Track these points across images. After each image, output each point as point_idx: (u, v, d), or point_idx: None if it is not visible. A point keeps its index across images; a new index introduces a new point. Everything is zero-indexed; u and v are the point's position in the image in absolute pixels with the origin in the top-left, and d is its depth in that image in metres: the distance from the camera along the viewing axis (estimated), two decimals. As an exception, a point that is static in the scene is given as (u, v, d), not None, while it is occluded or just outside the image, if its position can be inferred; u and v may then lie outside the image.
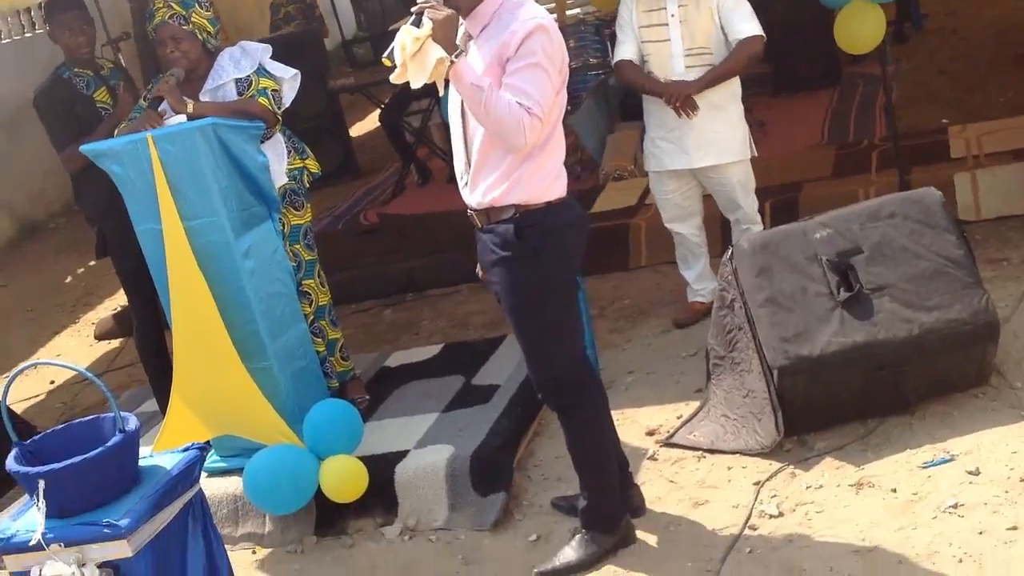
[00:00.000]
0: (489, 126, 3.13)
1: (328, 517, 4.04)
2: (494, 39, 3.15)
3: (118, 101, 4.67)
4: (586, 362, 3.47)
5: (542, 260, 3.23)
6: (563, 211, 3.28)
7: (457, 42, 3.13)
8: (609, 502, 3.50)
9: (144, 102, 4.32)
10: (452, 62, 3.07)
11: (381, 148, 9.31)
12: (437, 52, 3.06)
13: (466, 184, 3.33)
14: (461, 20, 3.19)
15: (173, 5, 4.20)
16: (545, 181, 3.23)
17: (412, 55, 3.08)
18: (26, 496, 3.21)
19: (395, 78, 3.15)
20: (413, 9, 3.12)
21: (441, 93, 3.30)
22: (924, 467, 3.57)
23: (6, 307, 7.96)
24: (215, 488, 4.11)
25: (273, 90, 4.24)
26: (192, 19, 4.22)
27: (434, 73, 3.09)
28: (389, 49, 3.13)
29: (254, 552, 4.06)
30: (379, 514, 4.02)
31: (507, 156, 3.19)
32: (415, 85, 3.15)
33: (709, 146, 4.67)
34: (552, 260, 3.25)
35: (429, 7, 3.10)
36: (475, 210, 3.31)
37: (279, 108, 4.27)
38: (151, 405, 5.06)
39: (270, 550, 4.05)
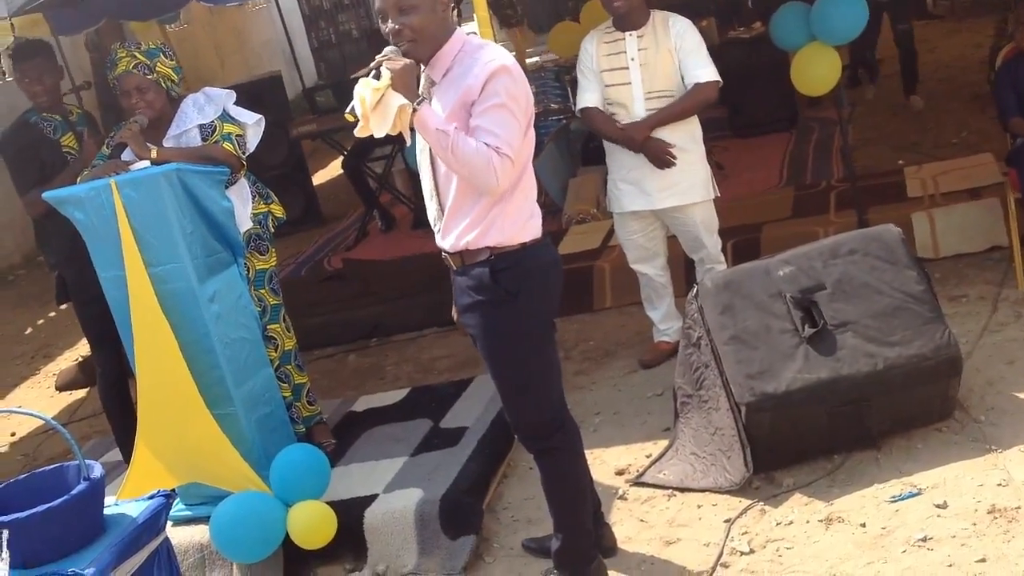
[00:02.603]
0: (459, 170, 3.10)
1: (296, 564, 3.99)
2: (457, 83, 3.13)
3: (82, 147, 4.66)
4: (563, 404, 3.42)
5: (518, 303, 3.19)
6: (538, 252, 3.24)
7: (420, 90, 3.14)
8: (583, 543, 3.48)
9: (107, 149, 4.31)
10: (415, 109, 3.05)
11: (344, 195, 9.33)
12: (398, 101, 3.05)
13: (439, 230, 3.30)
14: (422, 67, 3.20)
15: (137, 55, 4.20)
16: (519, 222, 3.20)
17: (373, 107, 3.06)
18: (-12, 548, 3.15)
19: (359, 132, 3.12)
20: (371, 64, 3.12)
21: (408, 143, 3.30)
22: (892, 501, 3.59)
23: (-35, 359, 7.85)
24: (181, 537, 4.05)
25: (237, 135, 4.24)
26: (156, 68, 4.21)
27: (397, 123, 3.08)
28: (350, 105, 3.12)
29: (221, 601, 4.00)
30: (348, 560, 3.98)
31: (480, 200, 3.16)
32: (379, 136, 3.13)
33: (671, 188, 4.71)
34: (528, 302, 3.21)
35: (386, 59, 3.09)
36: (449, 253, 3.27)
37: (243, 153, 4.28)
38: (115, 455, 4.99)
39: (238, 599, 3.99)
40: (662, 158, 4.62)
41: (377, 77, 3.08)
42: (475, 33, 4.15)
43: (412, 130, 3.15)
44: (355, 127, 3.14)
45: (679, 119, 4.66)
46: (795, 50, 5.45)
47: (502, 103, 3.07)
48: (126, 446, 4.76)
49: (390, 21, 3.11)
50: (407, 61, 3.09)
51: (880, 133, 7.83)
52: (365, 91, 3.06)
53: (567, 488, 3.43)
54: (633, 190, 4.78)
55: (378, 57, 3.11)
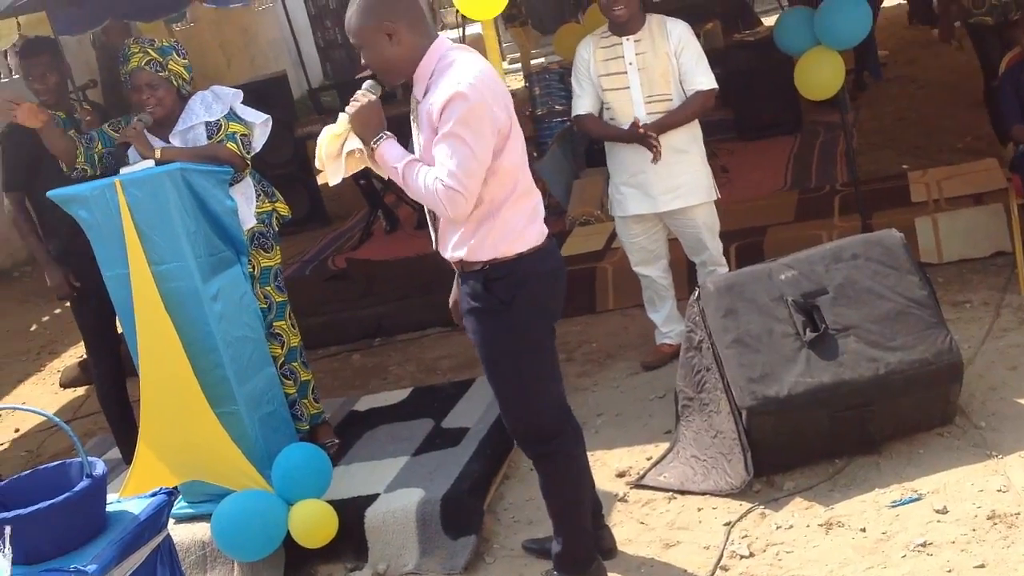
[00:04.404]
0: (420, 201, 3.19)
1: (297, 563, 4.00)
2: (429, 104, 3.14)
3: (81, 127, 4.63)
4: (561, 410, 3.39)
5: (512, 312, 3.19)
6: (535, 262, 3.21)
7: (410, 111, 3.18)
8: (582, 546, 3.48)
9: (106, 130, 4.32)
10: (371, 150, 3.12)
11: (349, 195, 9.33)
12: (352, 145, 3.12)
13: (435, 240, 3.34)
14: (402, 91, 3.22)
15: (149, 51, 4.22)
16: (510, 236, 3.17)
17: (335, 154, 3.14)
18: (-9, 543, 3.17)
19: (321, 180, 3.18)
20: (342, 115, 3.19)
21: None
22: (892, 506, 3.60)
23: (-31, 355, 7.87)
24: (183, 534, 4.06)
25: (242, 135, 4.25)
26: (168, 66, 4.24)
27: (348, 166, 3.15)
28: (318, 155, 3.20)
29: (222, 599, 4.01)
30: (349, 559, 3.99)
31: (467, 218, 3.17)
32: (332, 183, 3.20)
33: (675, 190, 4.73)
34: (522, 312, 3.20)
35: (352, 103, 3.14)
36: (450, 260, 3.31)
37: (248, 153, 4.29)
38: (117, 452, 5.00)
39: (238, 597, 4.00)
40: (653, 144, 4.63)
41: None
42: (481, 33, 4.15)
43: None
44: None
45: (680, 125, 4.70)
46: (799, 54, 5.45)
47: (451, 132, 3.03)
48: (125, 445, 4.78)
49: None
50: (370, 99, 3.15)
51: (885, 137, 7.83)
52: (324, 139, 3.14)
53: (565, 493, 3.44)
54: (637, 193, 4.79)
55: (357, 93, 3.17)
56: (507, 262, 3.18)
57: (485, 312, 3.22)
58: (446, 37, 3.26)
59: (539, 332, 3.27)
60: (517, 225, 3.19)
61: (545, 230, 3.27)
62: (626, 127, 4.70)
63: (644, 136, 4.60)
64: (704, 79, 4.68)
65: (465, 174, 3.04)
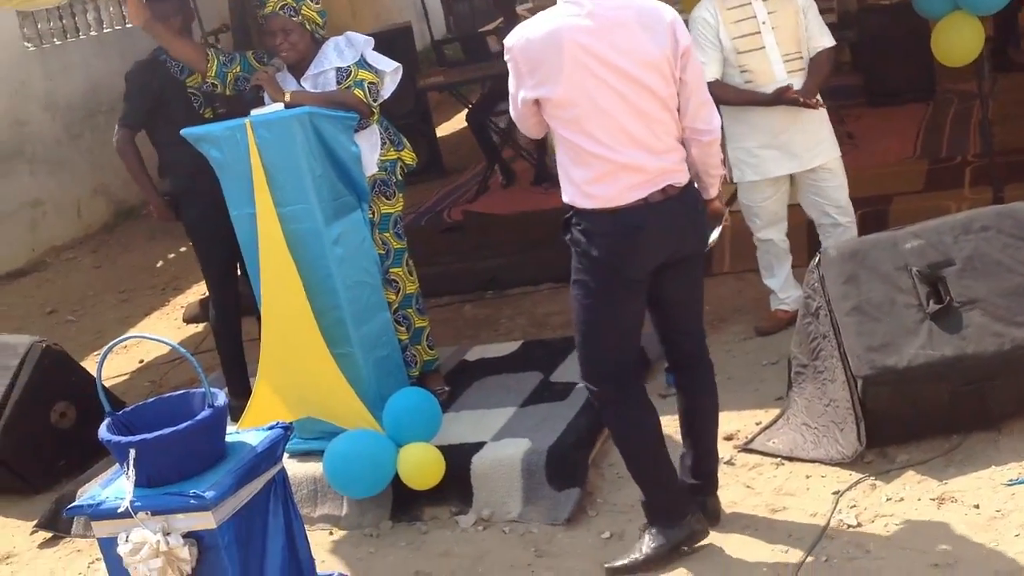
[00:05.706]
0: None
1: (404, 503, 4.09)
2: None
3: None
4: (621, 368, 3.43)
5: (580, 258, 3.35)
6: (605, 221, 3.28)
7: None
8: (661, 498, 3.50)
9: (248, 56, 4.47)
10: None
11: (467, 148, 9.39)
12: None
13: None
14: None
15: None
16: (577, 190, 3.30)
17: None
18: (116, 465, 3.31)
19: None
20: None
21: None
22: (1009, 484, 3.50)
23: (99, 288, 8.18)
24: (296, 469, 4.19)
25: (370, 82, 4.31)
26: (302, 11, 4.31)
27: None
28: None
29: (331, 533, 4.12)
30: (454, 503, 4.06)
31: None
32: None
33: (817, 146, 4.73)
34: (586, 260, 3.33)
35: None
36: None
37: (375, 100, 4.34)
38: (234, 387, 5.15)
39: (346, 532, 4.11)
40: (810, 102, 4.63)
41: None
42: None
43: None
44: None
45: (823, 86, 4.72)
46: (937, 19, 5.28)
47: None
48: (233, 382, 4.90)
49: None
50: None
51: (1022, 109, 7.52)
52: None
53: (622, 444, 3.54)
54: (778, 155, 4.73)
55: None
56: (581, 212, 3.32)
57: (570, 249, 3.38)
58: None
59: (603, 285, 3.34)
60: (582, 182, 3.30)
61: (632, 196, 3.26)
62: (764, 89, 4.64)
63: (797, 100, 4.57)
64: (827, 38, 4.71)
65: (511, 105, 3.42)
